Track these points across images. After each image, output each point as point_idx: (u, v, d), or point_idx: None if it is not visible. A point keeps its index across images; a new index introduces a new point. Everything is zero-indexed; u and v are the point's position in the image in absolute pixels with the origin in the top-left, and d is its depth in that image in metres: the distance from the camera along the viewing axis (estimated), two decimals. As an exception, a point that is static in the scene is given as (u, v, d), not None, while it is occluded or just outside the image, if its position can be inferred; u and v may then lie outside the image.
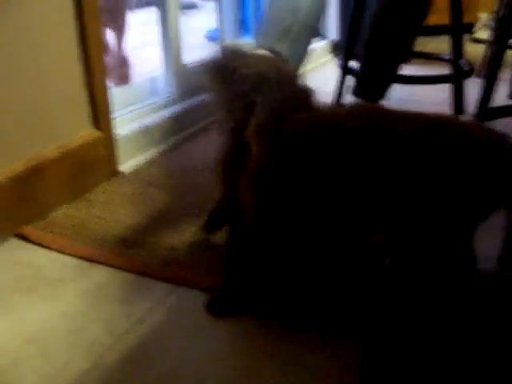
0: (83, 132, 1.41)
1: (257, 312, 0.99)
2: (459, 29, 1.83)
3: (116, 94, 1.66)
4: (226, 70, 0.99)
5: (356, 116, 0.86)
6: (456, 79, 1.89)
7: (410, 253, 0.83)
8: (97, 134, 1.43)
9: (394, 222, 0.87)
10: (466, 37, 2.33)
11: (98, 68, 1.41)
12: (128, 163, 1.58)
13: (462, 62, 1.88)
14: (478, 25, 3.33)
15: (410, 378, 0.72)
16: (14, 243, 1.21)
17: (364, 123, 0.84)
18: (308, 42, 1.57)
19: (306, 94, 0.96)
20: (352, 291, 0.99)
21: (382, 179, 0.83)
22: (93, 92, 1.41)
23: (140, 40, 3.07)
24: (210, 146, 1.69)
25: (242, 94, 0.97)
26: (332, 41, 2.98)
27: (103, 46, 2.95)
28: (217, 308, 0.99)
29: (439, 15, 2.22)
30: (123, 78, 2.50)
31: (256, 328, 0.96)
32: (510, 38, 1.49)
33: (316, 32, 1.61)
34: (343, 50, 1.92)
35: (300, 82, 1.01)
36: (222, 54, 1.03)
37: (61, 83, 1.32)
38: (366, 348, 0.74)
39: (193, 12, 4.75)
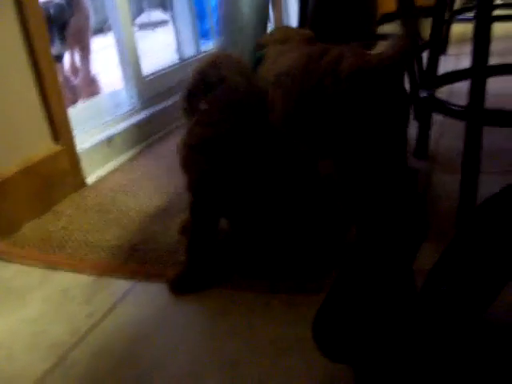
0: (43, 147, 1.43)
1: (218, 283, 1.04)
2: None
3: (78, 109, 1.70)
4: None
5: None
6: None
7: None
8: (57, 148, 1.46)
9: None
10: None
11: (52, 86, 1.44)
12: (94, 174, 1.61)
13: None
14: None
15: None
16: (-18, 261, 1.23)
17: None
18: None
19: None
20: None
21: None
22: (49, 109, 1.44)
23: (103, 63, 3.12)
24: (172, 151, 1.72)
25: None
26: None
27: (73, 67, 3.00)
28: (179, 286, 1.03)
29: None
30: (94, 96, 2.55)
31: (214, 310, 0.98)
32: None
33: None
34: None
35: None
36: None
37: (16, 103, 1.36)
38: (356, 366, 0.75)
39: (165, 28, 4.80)
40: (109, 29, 2.53)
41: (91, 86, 2.99)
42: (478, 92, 1.06)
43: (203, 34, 2.65)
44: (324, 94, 0.83)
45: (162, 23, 4.97)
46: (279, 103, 0.92)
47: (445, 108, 1.16)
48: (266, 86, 1.00)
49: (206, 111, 1.01)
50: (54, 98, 1.45)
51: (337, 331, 0.73)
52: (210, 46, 2.47)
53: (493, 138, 1.46)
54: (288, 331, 0.90)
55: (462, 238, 0.69)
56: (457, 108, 1.12)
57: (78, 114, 1.65)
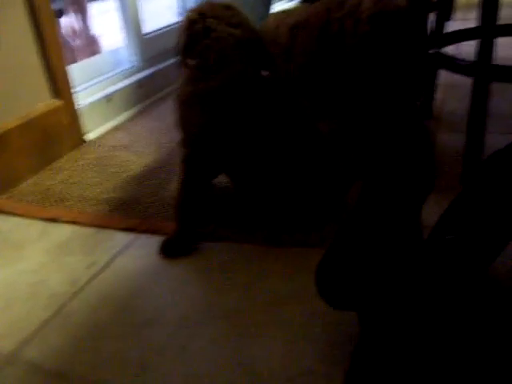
0: (43, 103, 1.41)
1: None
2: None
3: (78, 66, 1.67)
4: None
5: None
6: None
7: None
8: (57, 103, 1.44)
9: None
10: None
11: (52, 41, 1.41)
12: (94, 131, 1.59)
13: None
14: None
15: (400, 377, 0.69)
16: (-19, 214, 1.22)
17: None
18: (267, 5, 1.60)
19: None
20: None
21: None
22: (49, 64, 1.42)
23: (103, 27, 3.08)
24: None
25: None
26: None
27: (72, 29, 2.96)
28: (169, 250, 1.02)
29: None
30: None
31: (213, 263, 0.98)
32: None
33: None
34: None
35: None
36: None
37: (16, 57, 1.33)
38: (361, 313, 0.74)
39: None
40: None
41: (90, 48, 2.95)
42: (486, 47, 1.03)
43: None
44: (346, 38, 0.81)
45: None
46: (298, 52, 0.90)
47: (452, 64, 1.14)
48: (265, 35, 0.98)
49: (194, 66, 0.98)
50: (54, 53, 1.42)
51: (341, 278, 0.72)
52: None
53: (499, 101, 1.45)
54: (286, 283, 0.90)
55: (469, 190, 0.68)
56: (464, 63, 1.10)
57: (78, 70, 1.63)
